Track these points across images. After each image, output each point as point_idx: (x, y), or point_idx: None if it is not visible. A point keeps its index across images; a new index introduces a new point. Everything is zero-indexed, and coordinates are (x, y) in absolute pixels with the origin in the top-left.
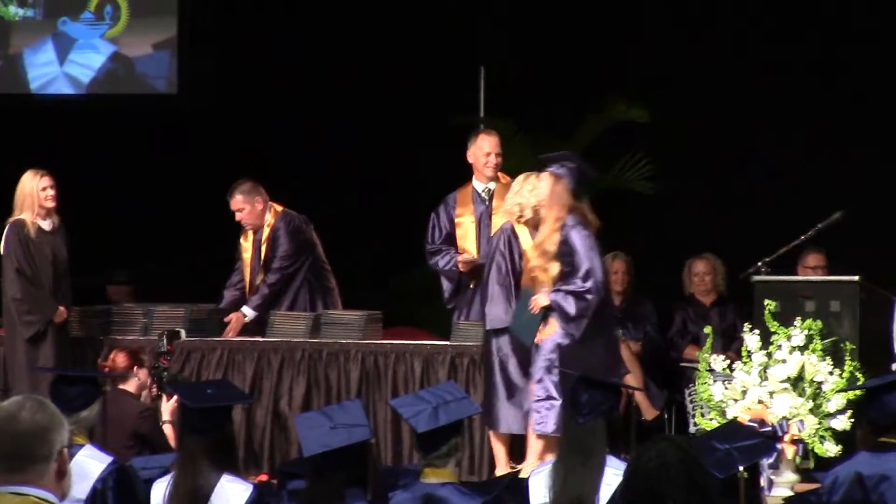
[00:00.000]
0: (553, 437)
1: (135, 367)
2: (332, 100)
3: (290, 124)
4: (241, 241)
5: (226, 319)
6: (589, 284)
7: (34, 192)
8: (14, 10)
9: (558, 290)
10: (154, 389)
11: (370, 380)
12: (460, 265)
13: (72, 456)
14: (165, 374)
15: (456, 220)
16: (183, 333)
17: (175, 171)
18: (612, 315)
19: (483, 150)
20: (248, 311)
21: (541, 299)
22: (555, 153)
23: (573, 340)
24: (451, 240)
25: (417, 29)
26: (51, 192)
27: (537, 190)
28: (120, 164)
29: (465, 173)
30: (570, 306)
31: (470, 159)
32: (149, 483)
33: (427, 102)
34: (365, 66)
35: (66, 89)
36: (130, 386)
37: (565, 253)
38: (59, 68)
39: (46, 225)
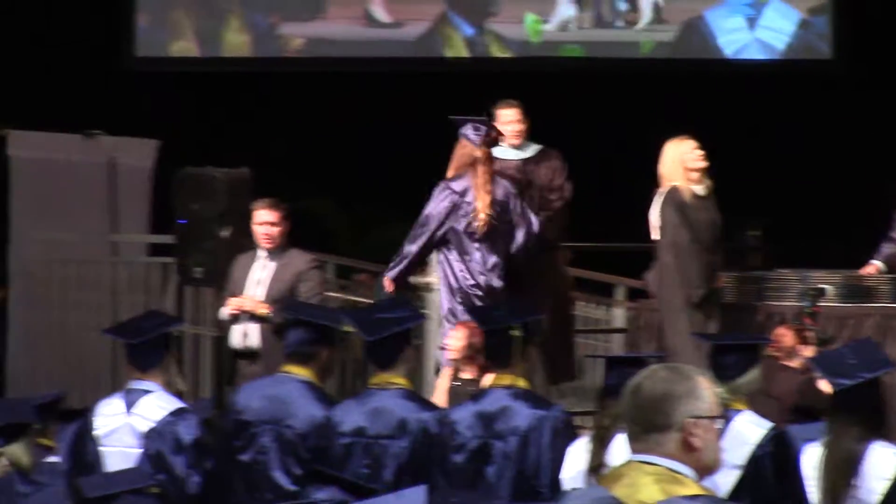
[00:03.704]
0: None
1: (799, 346)
2: None
3: None
4: None
5: None
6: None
7: (682, 156)
8: None
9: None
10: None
11: None
12: None
13: (729, 421)
14: (810, 335)
15: None
16: (828, 290)
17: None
18: None
19: None
20: None
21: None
22: None
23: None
24: None
25: None
26: (699, 151)
27: None
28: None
29: None
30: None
31: None
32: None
33: None
34: None
35: (757, 55)
36: (796, 363)
37: None
38: (751, 34)
39: (701, 190)
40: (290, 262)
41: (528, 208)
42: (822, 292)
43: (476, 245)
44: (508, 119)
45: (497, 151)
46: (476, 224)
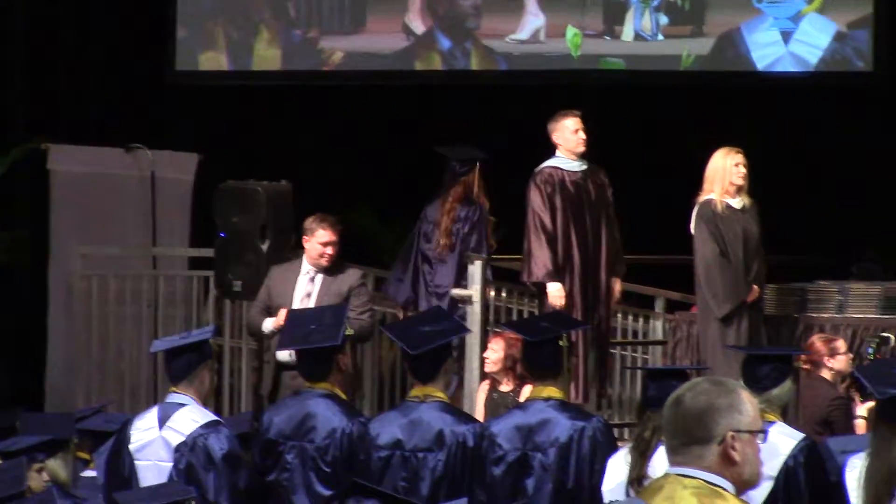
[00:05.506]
0: None
1: (828, 358)
2: None
3: None
4: None
5: None
6: None
7: (726, 168)
8: None
9: None
10: (849, 385)
11: None
12: None
13: (765, 434)
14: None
15: None
16: (893, 340)
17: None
18: None
19: None
20: None
21: None
22: None
23: None
24: None
25: None
26: (743, 169)
27: None
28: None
29: None
30: None
31: None
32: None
33: None
34: None
35: (791, 68)
36: (826, 373)
37: None
38: (785, 48)
39: (736, 203)
40: (340, 276)
41: (485, 242)
42: (886, 341)
43: (427, 267)
44: (574, 128)
45: (559, 161)
46: (437, 250)
